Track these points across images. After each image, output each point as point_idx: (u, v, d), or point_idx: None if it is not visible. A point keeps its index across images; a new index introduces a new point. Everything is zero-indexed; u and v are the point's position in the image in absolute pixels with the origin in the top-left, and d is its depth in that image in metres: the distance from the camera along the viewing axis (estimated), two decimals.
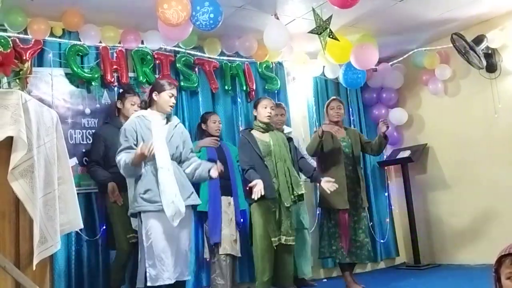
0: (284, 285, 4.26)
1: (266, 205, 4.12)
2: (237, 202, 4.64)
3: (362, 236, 4.60)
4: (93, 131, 4.44)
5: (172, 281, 3.45)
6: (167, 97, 3.68)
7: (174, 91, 3.75)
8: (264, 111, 4.31)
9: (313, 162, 4.86)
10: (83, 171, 4.36)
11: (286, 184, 4.19)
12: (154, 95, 3.70)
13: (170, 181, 3.51)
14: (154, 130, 3.59)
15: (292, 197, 4.21)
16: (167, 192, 3.46)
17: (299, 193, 4.22)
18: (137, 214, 3.56)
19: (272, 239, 4.09)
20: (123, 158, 3.46)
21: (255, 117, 4.40)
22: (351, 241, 4.57)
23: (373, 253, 4.74)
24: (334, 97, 5.12)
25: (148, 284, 3.42)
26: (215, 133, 4.72)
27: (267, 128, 4.35)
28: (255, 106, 4.40)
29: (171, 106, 3.72)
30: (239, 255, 4.59)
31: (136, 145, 3.49)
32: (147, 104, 3.79)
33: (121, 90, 4.49)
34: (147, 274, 3.43)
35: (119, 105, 4.34)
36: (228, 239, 4.48)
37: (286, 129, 5.03)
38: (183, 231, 3.60)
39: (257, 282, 4.15)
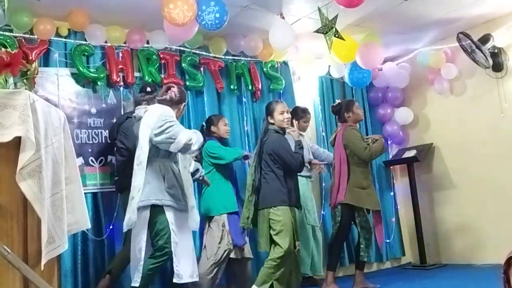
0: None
1: (292, 211, 4.07)
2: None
3: (368, 235, 4.70)
4: (100, 130, 4.48)
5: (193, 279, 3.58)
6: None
7: None
8: (281, 116, 4.17)
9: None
10: (90, 170, 4.37)
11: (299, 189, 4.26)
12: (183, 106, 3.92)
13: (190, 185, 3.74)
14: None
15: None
16: (189, 194, 3.67)
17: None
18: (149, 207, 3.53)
19: (296, 242, 4.07)
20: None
21: (270, 123, 4.21)
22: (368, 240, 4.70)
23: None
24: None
25: (178, 281, 3.51)
26: (225, 136, 4.72)
27: (284, 133, 4.27)
28: (270, 112, 4.23)
29: None
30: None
31: None
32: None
33: (149, 89, 4.28)
34: (175, 271, 3.50)
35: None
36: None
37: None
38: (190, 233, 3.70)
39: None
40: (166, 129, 3.46)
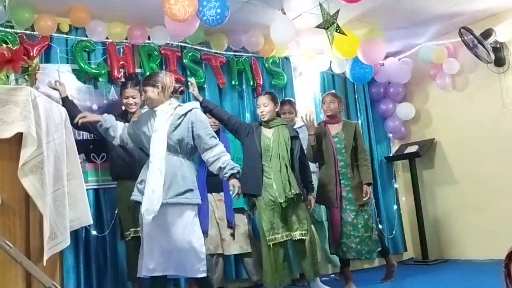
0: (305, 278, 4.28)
1: (263, 201, 4.13)
2: (228, 200, 4.45)
3: (362, 231, 4.53)
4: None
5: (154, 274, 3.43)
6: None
7: None
8: (258, 110, 4.38)
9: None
10: (91, 167, 4.38)
11: (282, 181, 4.15)
12: None
13: (154, 175, 3.43)
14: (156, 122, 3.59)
15: (288, 194, 4.12)
16: (148, 187, 3.42)
17: (293, 192, 4.13)
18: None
19: (267, 238, 4.07)
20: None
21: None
22: (345, 237, 4.53)
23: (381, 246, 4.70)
24: (329, 91, 5.11)
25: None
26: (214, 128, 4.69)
27: (270, 125, 4.32)
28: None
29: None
30: (230, 253, 4.49)
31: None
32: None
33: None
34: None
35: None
36: (214, 239, 4.38)
37: (298, 123, 5.01)
38: (168, 228, 3.44)
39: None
40: None
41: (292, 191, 4.12)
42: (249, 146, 4.26)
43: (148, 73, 4.66)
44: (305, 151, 4.52)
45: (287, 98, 5.21)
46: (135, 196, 3.53)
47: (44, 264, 2.28)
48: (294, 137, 4.32)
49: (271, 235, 4.09)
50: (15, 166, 2.23)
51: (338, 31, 4.41)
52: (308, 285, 4.48)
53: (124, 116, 4.23)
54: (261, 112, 4.32)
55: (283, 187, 4.13)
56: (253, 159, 4.20)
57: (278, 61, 5.59)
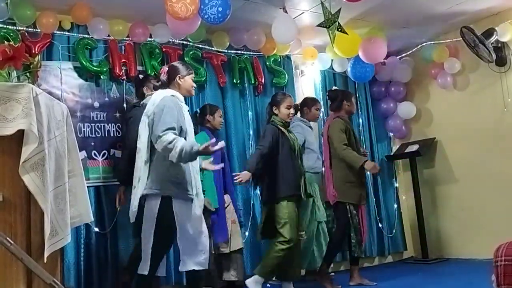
0: (292, 279, 4.29)
1: (292, 202, 4.16)
2: (234, 200, 4.70)
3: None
4: (103, 124, 4.51)
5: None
6: (191, 81, 3.61)
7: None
8: (287, 111, 4.33)
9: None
10: (92, 164, 4.39)
11: (304, 181, 4.29)
12: (178, 79, 3.54)
13: (196, 172, 3.48)
14: (187, 117, 3.51)
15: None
16: (196, 183, 3.43)
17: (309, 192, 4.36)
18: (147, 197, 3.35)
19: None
20: (180, 144, 3.18)
21: (273, 113, 4.36)
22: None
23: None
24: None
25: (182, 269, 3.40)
26: (219, 127, 4.72)
27: (286, 126, 4.39)
28: (276, 103, 4.36)
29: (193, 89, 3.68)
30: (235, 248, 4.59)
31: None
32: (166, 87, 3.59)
33: (141, 76, 4.45)
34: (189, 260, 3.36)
35: (145, 90, 4.26)
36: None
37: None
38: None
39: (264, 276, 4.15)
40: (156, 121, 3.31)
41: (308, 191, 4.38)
42: (284, 147, 4.22)
43: (149, 71, 4.70)
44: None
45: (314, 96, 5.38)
46: (171, 191, 3.34)
47: (45, 261, 2.29)
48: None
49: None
50: (16, 163, 2.23)
51: (339, 30, 4.41)
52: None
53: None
54: (292, 113, 4.39)
55: (305, 187, 4.30)
56: (288, 160, 4.20)
57: (279, 60, 5.60)
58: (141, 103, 4.02)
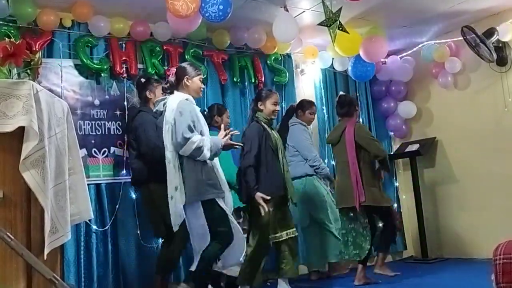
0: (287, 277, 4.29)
1: (274, 202, 4.10)
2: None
3: None
4: (104, 122, 4.50)
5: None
6: (199, 82, 3.66)
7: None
8: (273, 107, 4.28)
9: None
10: (93, 162, 4.39)
11: (290, 180, 4.26)
12: (186, 80, 3.60)
13: (221, 171, 3.60)
14: (201, 117, 3.60)
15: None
16: (223, 181, 3.56)
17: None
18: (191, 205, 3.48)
19: (271, 236, 4.12)
20: (208, 142, 3.42)
21: (259, 109, 4.29)
22: None
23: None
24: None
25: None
26: (226, 129, 4.72)
27: (270, 123, 4.34)
28: (262, 99, 4.29)
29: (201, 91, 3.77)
30: None
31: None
32: (174, 88, 3.67)
33: (143, 80, 4.39)
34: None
35: (148, 94, 4.28)
36: None
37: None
38: None
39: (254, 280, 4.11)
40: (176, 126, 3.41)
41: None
42: (267, 147, 4.16)
43: (149, 69, 4.70)
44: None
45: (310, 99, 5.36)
46: (210, 194, 3.45)
47: (45, 257, 2.29)
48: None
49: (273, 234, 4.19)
50: (16, 160, 2.22)
51: (340, 28, 4.40)
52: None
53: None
54: (277, 110, 4.37)
55: (292, 186, 4.29)
56: (272, 160, 4.15)
57: (280, 58, 5.60)
58: (154, 110, 3.95)
